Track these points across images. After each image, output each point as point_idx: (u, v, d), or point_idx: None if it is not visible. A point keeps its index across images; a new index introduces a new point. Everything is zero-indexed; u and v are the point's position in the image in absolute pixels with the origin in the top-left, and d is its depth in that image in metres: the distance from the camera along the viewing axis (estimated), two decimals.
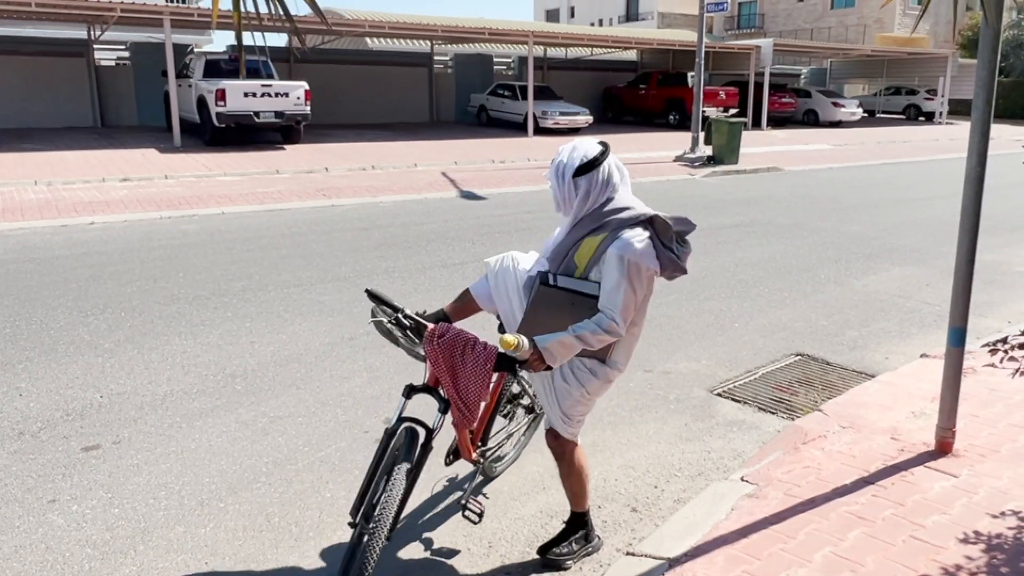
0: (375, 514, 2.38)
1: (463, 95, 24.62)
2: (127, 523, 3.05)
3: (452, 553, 2.92)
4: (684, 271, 2.58)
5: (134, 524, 3.05)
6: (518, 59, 26.97)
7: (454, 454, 3.00)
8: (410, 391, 2.58)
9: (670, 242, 2.52)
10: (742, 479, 3.34)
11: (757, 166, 15.61)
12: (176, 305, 5.79)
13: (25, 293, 5.98)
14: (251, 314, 5.61)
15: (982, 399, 4.08)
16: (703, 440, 3.90)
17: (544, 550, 2.86)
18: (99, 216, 8.93)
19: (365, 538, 2.37)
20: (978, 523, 2.91)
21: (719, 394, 4.46)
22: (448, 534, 3.03)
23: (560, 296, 2.49)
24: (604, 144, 2.53)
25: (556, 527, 3.11)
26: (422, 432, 2.55)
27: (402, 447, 2.49)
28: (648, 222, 2.49)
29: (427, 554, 2.89)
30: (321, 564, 2.83)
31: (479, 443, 2.97)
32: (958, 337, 3.38)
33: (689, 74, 24.20)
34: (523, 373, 2.89)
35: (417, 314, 2.67)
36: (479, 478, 3.17)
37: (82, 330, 5.20)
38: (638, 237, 2.43)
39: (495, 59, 26.56)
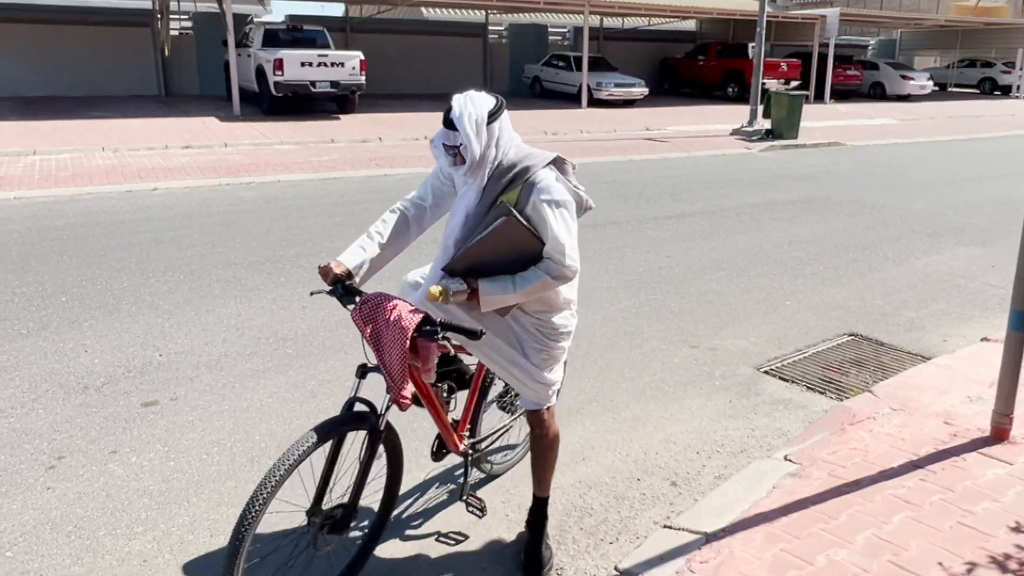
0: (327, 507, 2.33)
1: (517, 65, 24.42)
2: (182, 476, 3.19)
3: (494, 519, 2.96)
4: (589, 207, 2.54)
5: (188, 477, 3.19)
6: (573, 29, 26.57)
7: (440, 445, 2.83)
8: (363, 371, 2.34)
9: (571, 179, 2.46)
10: (785, 458, 3.29)
11: (818, 141, 15.12)
12: (232, 270, 5.96)
13: (92, 255, 6.24)
14: (303, 280, 5.74)
15: None
16: (747, 417, 3.86)
17: (530, 560, 2.67)
18: (162, 182, 9.21)
19: (324, 531, 2.33)
20: None
21: (766, 372, 4.40)
22: (490, 505, 3.07)
23: (521, 233, 2.29)
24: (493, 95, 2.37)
25: (593, 498, 3.14)
26: (371, 416, 2.34)
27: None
28: (552, 163, 2.41)
29: (472, 520, 2.94)
30: (363, 521, 2.91)
31: (465, 433, 2.81)
32: (1020, 321, 3.25)
33: (750, 45, 23.46)
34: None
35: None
36: (473, 472, 2.95)
37: (144, 291, 5.41)
38: (551, 178, 2.35)
39: (550, 29, 26.23)
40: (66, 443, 3.41)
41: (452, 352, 2.52)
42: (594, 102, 20.45)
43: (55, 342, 4.50)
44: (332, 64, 15.19)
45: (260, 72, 15.48)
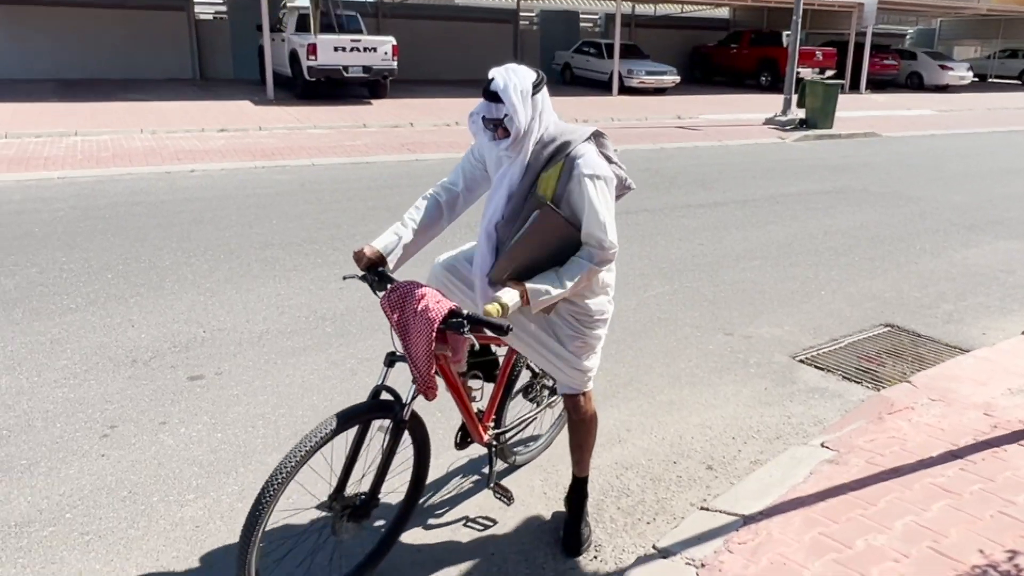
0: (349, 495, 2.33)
1: (548, 52, 24.32)
2: (229, 447, 3.29)
3: (533, 496, 3.02)
4: (630, 187, 2.53)
5: (235, 449, 3.28)
6: (605, 16, 26.37)
7: (463, 435, 2.81)
8: (391, 359, 2.32)
9: (612, 155, 2.43)
10: (822, 445, 3.30)
11: (853, 131, 14.90)
12: (270, 250, 6.07)
13: (134, 233, 6.38)
14: (339, 262, 5.82)
15: None
16: (783, 405, 3.87)
17: (569, 537, 2.71)
18: (199, 164, 9.36)
19: (344, 518, 2.34)
20: None
21: (801, 360, 4.39)
22: (527, 479, 3.13)
23: (559, 223, 2.27)
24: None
25: (629, 479, 3.18)
26: (395, 406, 2.32)
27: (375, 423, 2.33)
28: (592, 138, 2.37)
29: (502, 505, 3.00)
30: (389, 509, 2.98)
31: (490, 424, 2.78)
32: None
33: (784, 33, 23.11)
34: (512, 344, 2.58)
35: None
36: (498, 462, 2.92)
37: (186, 270, 5.53)
38: (593, 153, 2.31)
39: (581, 16, 26.07)
40: (118, 413, 3.53)
41: (476, 346, 2.51)
42: (625, 90, 20.31)
43: (103, 317, 4.63)
44: (365, 49, 15.27)
45: (294, 57, 15.61)
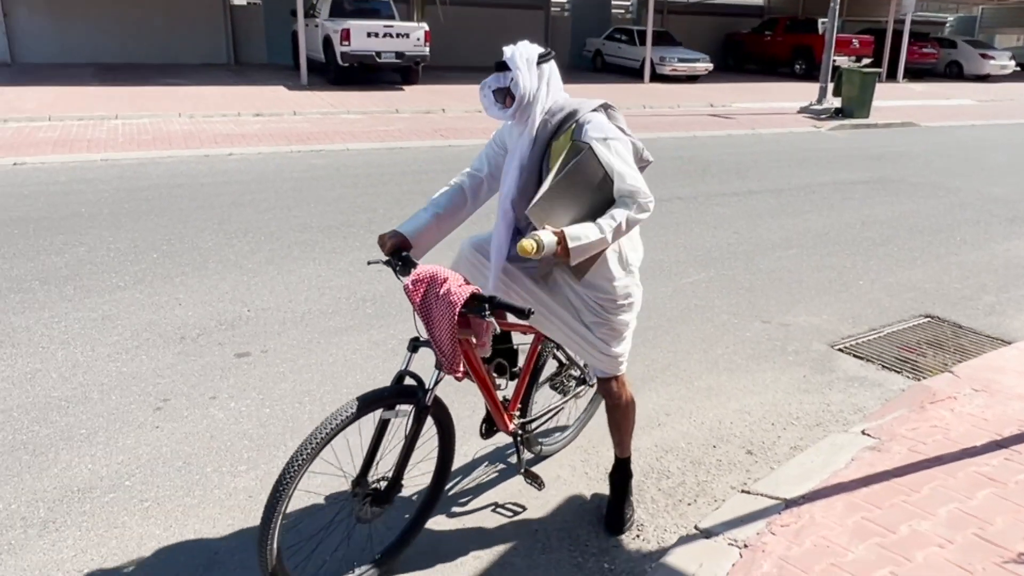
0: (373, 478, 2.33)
1: (579, 39, 24.18)
2: (277, 422, 3.38)
3: (575, 476, 3.07)
4: (647, 161, 2.51)
5: (283, 423, 3.37)
6: (636, 2, 26.12)
7: (488, 424, 2.78)
8: (415, 345, 2.30)
9: (624, 126, 2.44)
10: (863, 432, 3.31)
11: (890, 120, 14.66)
12: (309, 233, 6.16)
13: (176, 215, 6.52)
14: (376, 246, 5.89)
15: None
16: (822, 392, 3.87)
17: (612, 516, 2.74)
18: (236, 148, 9.50)
19: (366, 503, 2.34)
20: None
21: (840, 349, 4.38)
22: (568, 459, 3.18)
23: (598, 169, 2.27)
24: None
25: (669, 462, 3.21)
26: (418, 391, 2.31)
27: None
28: (600, 108, 2.40)
29: (554, 478, 3.05)
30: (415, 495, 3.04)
31: (515, 413, 2.75)
32: None
33: (820, 20, 22.74)
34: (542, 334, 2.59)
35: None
36: (525, 452, 2.88)
37: (228, 251, 5.64)
38: (601, 118, 2.35)
39: (613, 2, 25.84)
40: (169, 387, 3.64)
41: (498, 330, 2.48)
42: (656, 77, 20.16)
43: (151, 295, 4.75)
44: (397, 35, 15.32)
45: (327, 42, 15.70)
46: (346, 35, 14.82)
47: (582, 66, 23.54)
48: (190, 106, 12.28)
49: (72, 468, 2.99)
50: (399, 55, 15.42)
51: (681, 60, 20.49)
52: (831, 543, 2.51)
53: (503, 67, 2.31)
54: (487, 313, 2.16)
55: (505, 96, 2.32)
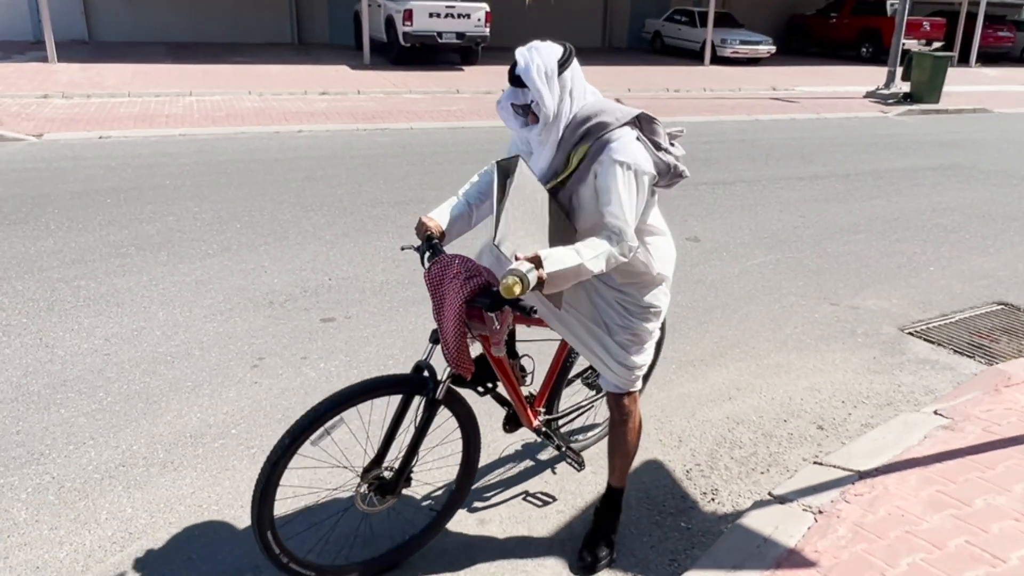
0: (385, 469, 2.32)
1: (637, 20, 23.89)
2: None
3: (648, 442, 3.19)
4: (682, 175, 2.20)
5: None
6: None
7: (511, 420, 2.61)
8: (436, 336, 2.24)
9: (661, 140, 2.17)
10: (935, 412, 3.35)
11: (961, 106, 14.21)
12: (380, 208, 6.37)
13: (254, 188, 6.80)
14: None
15: None
16: (892, 374, 3.90)
17: (586, 551, 2.50)
18: (305, 125, 9.78)
19: (371, 491, 2.33)
20: None
21: (911, 333, 4.39)
22: (644, 430, 3.29)
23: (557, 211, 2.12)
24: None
25: (741, 433, 3.31)
26: (429, 383, 2.26)
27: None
28: (634, 122, 2.13)
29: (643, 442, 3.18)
30: (530, 438, 3.20)
31: (541, 409, 2.64)
32: None
33: (888, 2, 22.05)
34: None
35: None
36: (555, 450, 2.78)
37: (305, 223, 5.89)
38: (627, 138, 2.07)
39: None
40: (263, 347, 3.88)
41: (496, 326, 2.23)
42: (717, 60, 19.84)
43: (238, 262, 5.02)
44: (459, 15, 15.42)
45: (389, 22, 15.91)
46: (408, 15, 15.00)
47: (641, 47, 23.29)
48: (258, 84, 12.64)
49: (183, 416, 3.24)
50: (460, 35, 15.54)
51: (743, 42, 20.12)
52: (905, 512, 2.59)
53: (518, 80, 2.06)
54: (494, 314, 2.06)
55: (527, 111, 2.10)
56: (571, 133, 2.10)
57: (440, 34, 15.30)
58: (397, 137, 9.48)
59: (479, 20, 15.60)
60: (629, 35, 24.12)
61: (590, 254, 1.98)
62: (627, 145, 2.05)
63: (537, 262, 1.86)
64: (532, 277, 1.84)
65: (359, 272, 4.94)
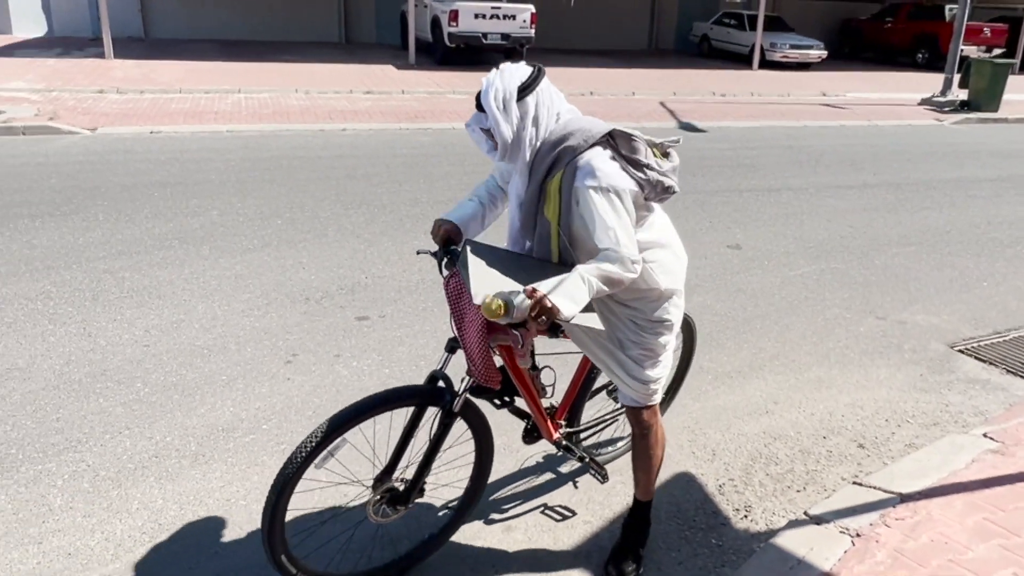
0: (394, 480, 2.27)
1: (685, 23, 23.62)
2: (397, 381, 3.57)
3: (681, 454, 3.12)
4: (669, 190, 2.08)
5: (403, 383, 3.54)
6: None
7: (532, 432, 2.59)
8: (452, 345, 2.21)
9: (640, 157, 2.04)
10: (985, 435, 3.20)
11: (1021, 115, 13.70)
12: (419, 207, 6.39)
13: (297, 185, 6.88)
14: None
15: None
16: (940, 392, 3.75)
17: (611, 566, 2.46)
18: (349, 123, 9.88)
19: (382, 502, 2.28)
20: None
21: (961, 350, 4.22)
22: (674, 438, 3.23)
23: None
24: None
25: (778, 448, 3.21)
26: (445, 394, 2.23)
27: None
28: (605, 140, 2.04)
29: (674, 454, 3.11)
30: (551, 450, 3.15)
31: (562, 422, 2.61)
32: None
33: (947, 7, 21.39)
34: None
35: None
36: (577, 462, 2.72)
37: (345, 220, 5.93)
38: (598, 159, 1.99)
39: None
40: (297, 343, 3.91)
41: (520, 343, 2.16)
42: (766, 64, 19.49)
43: (277, 258, 5.07)
44: (504, 17, 15.43)
45: (435, 23, 16.00)
46: (454, 16, 15.06)
47: (688, 51, 23.01)
48: (305, 82, 12.82)
49: (216, 409, 3.28)
50: (505, 36, 15.54)
51: (793, 46, 19.73)
52: (949, 540, 2.48)
53: (479, 104, 2.02)
54: (517, 333, 2.01)
55: (490, 136, 2.05)
56: (541, 161, 2.04)
57: (485, 35, 15.32)
58: (439, 137, 9.51)
59: (525, 21, 15.59)
60: (676, 38, 23.86)
61: (595, 274, 1.95)
62: (598, 167, 1.98)
63: (532, 293, 1.84)
64: (519, 303, 1.82)
65: (395, 271, 4.95)
